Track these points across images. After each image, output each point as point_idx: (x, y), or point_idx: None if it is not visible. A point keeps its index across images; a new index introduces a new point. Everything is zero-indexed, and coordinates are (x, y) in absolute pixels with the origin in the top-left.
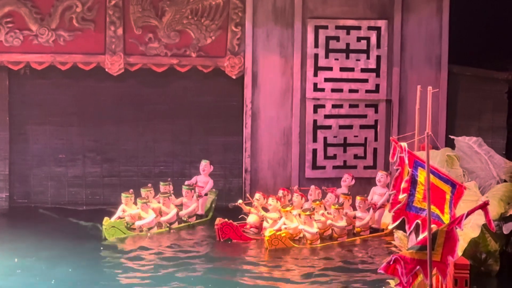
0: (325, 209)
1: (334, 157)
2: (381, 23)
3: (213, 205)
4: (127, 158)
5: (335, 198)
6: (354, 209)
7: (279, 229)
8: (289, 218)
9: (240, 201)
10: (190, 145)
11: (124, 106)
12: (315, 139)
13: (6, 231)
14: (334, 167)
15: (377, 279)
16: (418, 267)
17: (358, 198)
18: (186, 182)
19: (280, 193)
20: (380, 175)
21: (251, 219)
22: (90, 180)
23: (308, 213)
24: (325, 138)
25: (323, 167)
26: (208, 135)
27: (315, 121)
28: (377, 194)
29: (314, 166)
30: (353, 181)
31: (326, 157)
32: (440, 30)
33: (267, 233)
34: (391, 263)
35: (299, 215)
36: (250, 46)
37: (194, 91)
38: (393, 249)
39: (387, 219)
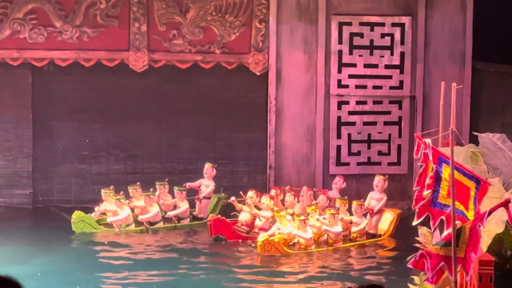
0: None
1: (358, 153)
2: (405, 20)
3: (217, 209)
4: (150, 155)
5: (327, 201)
6: (351, 214)
7: (273, 234)
8: (283, 223)
9: (233, 198)
10: (214, 142)
11: (148, 103)
12: (339, 136)
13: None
14: (358, 164)
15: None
16: (442, 263)
17: (354, 203)
18: (188, 184)
19: (273, 192)
20: (378, 180)
21: (243, 217)
22: (114, 177)
23: (302, 218)
24: (349, 135)
25: (347, 164)
26: (232, 132)
27: (339, 118)
28: (374, 199)
29: (338, 163)
30: (345, 184)
31: (350, 153)
32: (464, 26)
33: (260, 238)
34: (418, 258)
35: (293, 219)
36: (274, 42)
37: (218, 87)
38: (418, 245)
39: (384, 225)
